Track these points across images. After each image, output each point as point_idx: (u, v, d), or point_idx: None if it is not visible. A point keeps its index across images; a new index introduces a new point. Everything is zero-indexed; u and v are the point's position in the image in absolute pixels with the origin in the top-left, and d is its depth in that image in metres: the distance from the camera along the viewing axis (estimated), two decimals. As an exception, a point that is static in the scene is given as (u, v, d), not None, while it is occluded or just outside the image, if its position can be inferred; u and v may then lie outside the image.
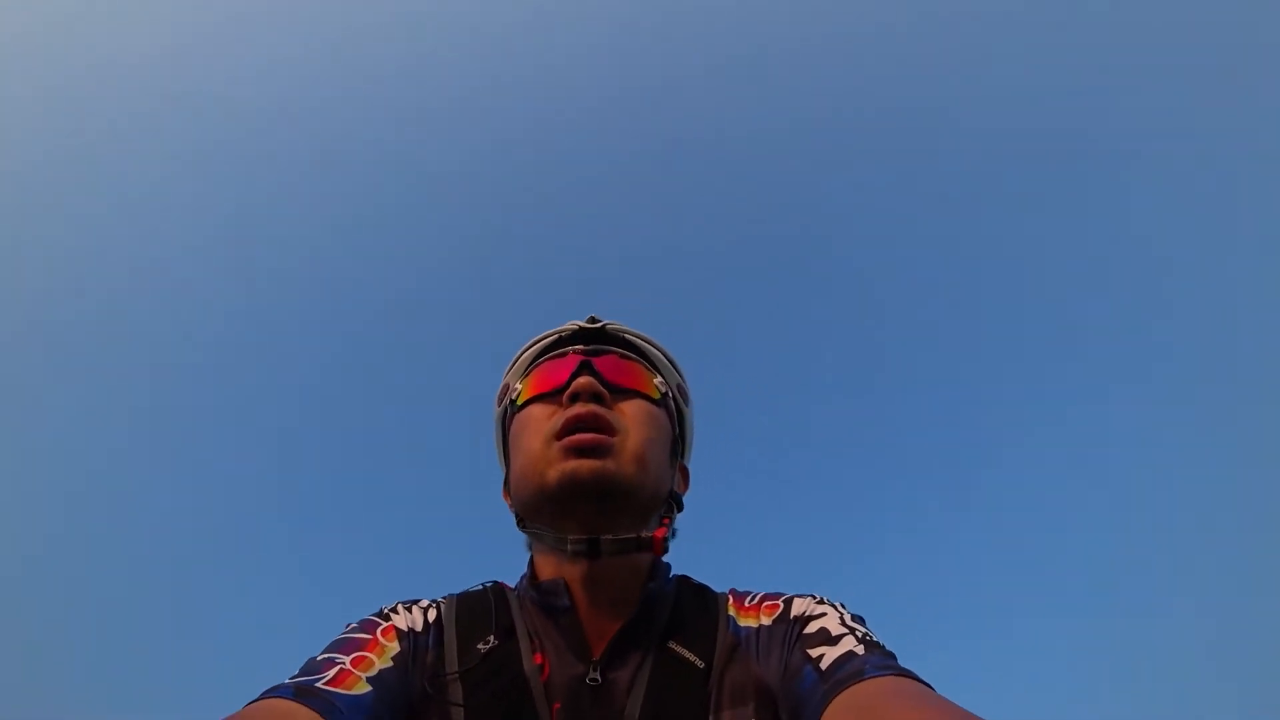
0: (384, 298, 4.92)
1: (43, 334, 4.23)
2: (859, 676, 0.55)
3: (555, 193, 5.06)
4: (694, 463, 0.95)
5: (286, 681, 0.57)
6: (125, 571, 4.08)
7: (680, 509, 0.84)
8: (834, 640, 0.62)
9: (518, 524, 0.80)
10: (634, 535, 0.70)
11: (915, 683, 0.55)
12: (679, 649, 0.68)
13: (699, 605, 0.75)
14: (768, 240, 5.12)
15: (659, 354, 0.90)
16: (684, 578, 0.81)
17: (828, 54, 4.88)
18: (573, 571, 0.72)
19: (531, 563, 0.80)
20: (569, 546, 0.70)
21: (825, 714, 0.54)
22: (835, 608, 0.69)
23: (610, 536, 0.70)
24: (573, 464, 0.70)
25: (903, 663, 0.59)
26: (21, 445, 4.17)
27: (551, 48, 4.92)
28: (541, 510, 0.73)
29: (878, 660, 0.57)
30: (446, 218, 5.02)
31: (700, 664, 0.67)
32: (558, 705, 0.64)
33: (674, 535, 0.82)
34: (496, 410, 0.91)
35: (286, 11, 4.60)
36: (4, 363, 4.08)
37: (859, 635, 0.63)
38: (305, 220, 4.80)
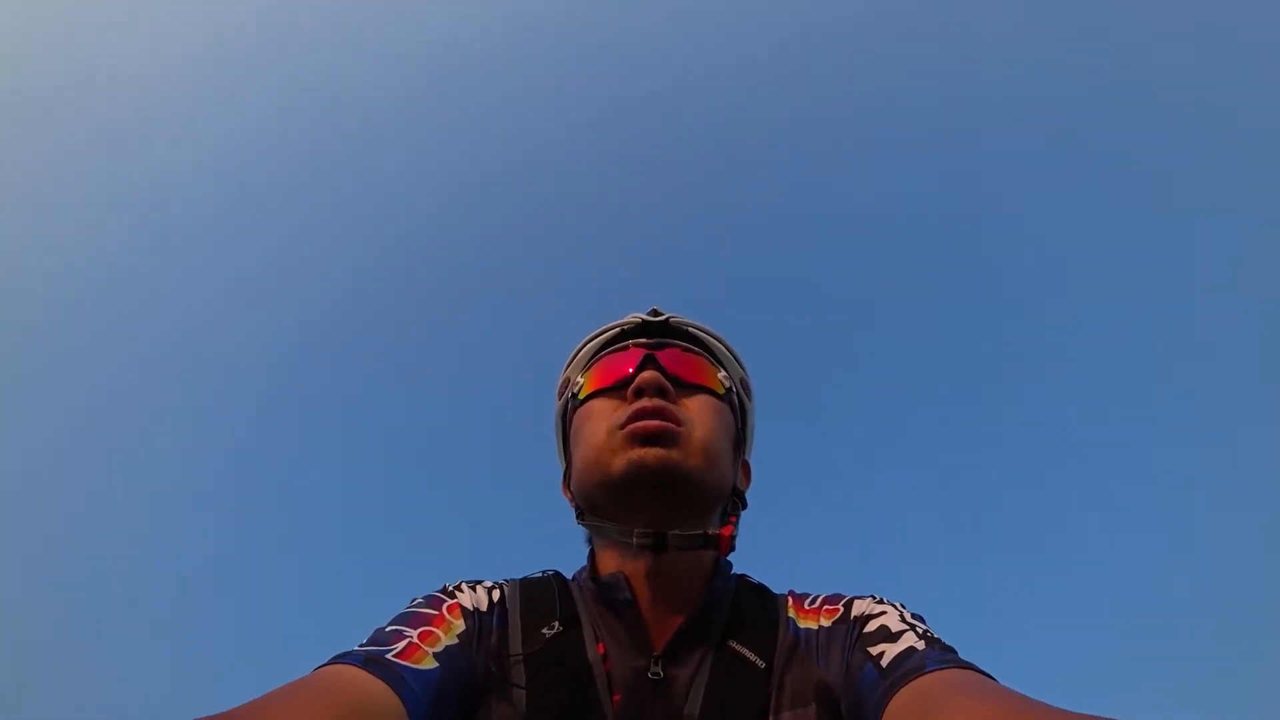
0: (422, 294, 5.02)
1: (69, 330, 4.42)
2: (920, 671, 0.54)
3: (607, 184, 5.06)
4: (754, 457, 0.94)
5: (356, 649, 0.57)
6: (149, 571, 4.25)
7: (745, 506, 0.83)
8: (894, 637, 0.61)
9: (578, 518, 0.80)
10: (701, 532, 0.69)
11: (977, 674, 0.54)
12: (739, 648, 0.68)
13: (759, 605, 0.74)
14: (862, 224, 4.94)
15: (722, 347, 0.88)
16: (743, 577, 0.80)
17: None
18: (636, 566, 0.72)
19: (592, 555, 0.80)
20: (635, 540, 0.69)
21: (887, 710, 0.54)
22: (895, 607, 0.68)
23: (677, 531, 0.69)
24: (639, 452, 0.69)
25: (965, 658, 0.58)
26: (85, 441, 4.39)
27: (587, 41, 4.92)
28: (605, 502, 0.73)
29: (938, 654, 0.57)
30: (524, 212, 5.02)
31: (761, 664, 0.66)
32: (618, 696, 0.64)
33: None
34: (557, 404, 0.91)
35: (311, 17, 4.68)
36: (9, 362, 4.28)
37: (919, 631, 0.62)
38: (353, 219, 4.91)
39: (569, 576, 0.80)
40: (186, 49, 4.56)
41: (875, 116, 4.89)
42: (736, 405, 0.86)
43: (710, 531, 0.70)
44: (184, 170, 4.60)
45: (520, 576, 0.79)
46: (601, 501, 0.73)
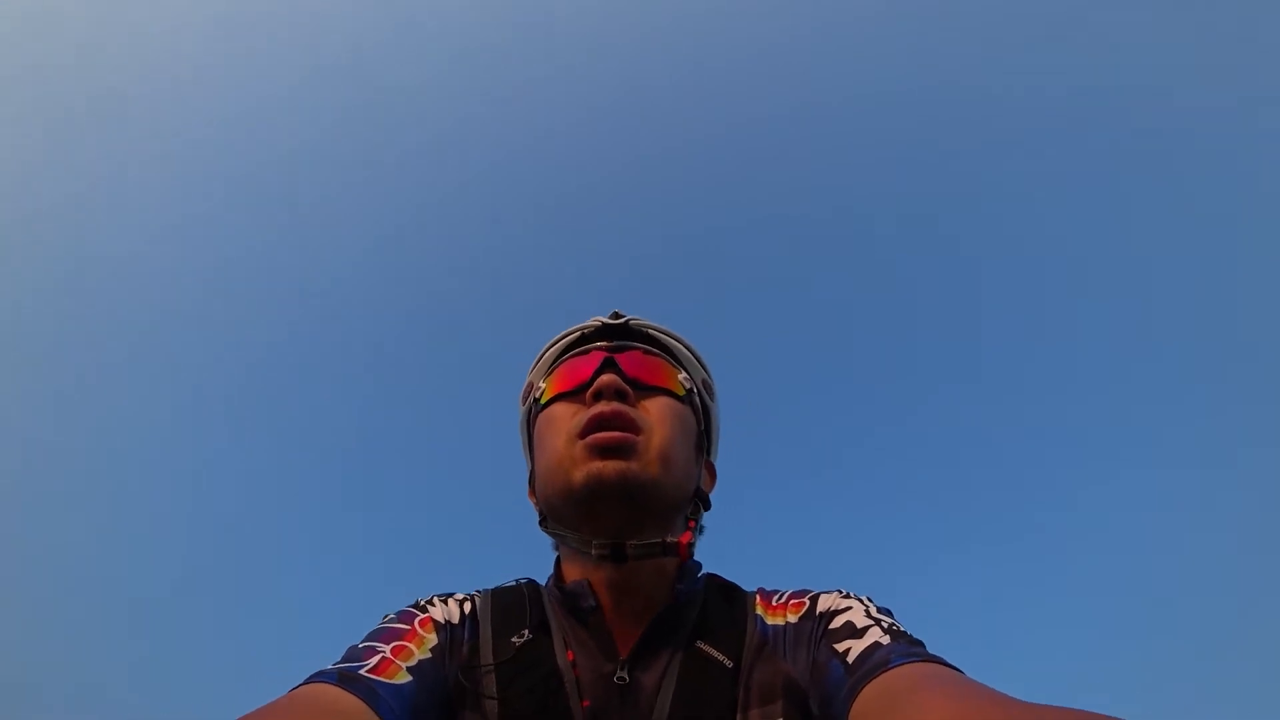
0: (400, 298, 5.01)
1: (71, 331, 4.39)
2: (885, 666, 0.54)
3: (575, 190, 5.07)
4: (722, 458, 0.94)
5: (330, 667, 0.58)
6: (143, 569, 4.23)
7: (708, 507, 0.83)
8: (860, 633, 0.61)
9: (540, 524, 0.80)
10: (659, 540, 0.70)
11: (944, 667, 0.54)
12: (707, 648, 0.68)
13: (726, 604, 0.74)
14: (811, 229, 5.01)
15: (684, 349, 0.88)
16: (712, 576, 0.80)
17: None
18: (598, 575, 0.72)
19: (558, 563, 0.80)
20: (593, 551, 0.70)
21: (854, 706, 0.54)
22: (861, 601, 0.68)
23: (635, 541, 0.69)
24: (597, 465, 0.69)
25: (932, 650, 0.58)
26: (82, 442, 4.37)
27: (570, 43, 4.92)
28: (566, 512, 0.73)
29: (903, 648, 0.57)
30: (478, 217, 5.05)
31: (728, 663, 0.66)
32: (587, 703, 0.64)
33: (701, 533, 0.81)
34: (521, 409, 0.91)
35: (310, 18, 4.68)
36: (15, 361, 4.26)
37: (885, 626, 0.62)
38: (334, 221, 4.90)
39: (543, 583, 0.80)
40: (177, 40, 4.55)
41: (849, 114, 4.93)
42: (699, 407, 0.86)
43: (668, 540, 0.70)
44: (181, 167, 4.59)
45: (494, 586, 0.79)
46: (562, 510, 0.73)
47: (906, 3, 4.72)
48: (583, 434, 0.72)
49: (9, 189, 4.32)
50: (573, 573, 0.75)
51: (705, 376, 0.90)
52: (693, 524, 0.77)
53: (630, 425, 0.72)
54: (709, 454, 0.90)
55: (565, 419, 0.76)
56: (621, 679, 0.65)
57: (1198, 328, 4.20)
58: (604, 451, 0.70)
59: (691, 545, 0.72)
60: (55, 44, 4.35)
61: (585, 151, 5.04)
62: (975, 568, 4.30)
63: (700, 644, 0.68)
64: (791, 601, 0.73)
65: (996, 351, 4.66)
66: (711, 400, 0.90)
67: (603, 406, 0.73)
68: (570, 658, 0.67)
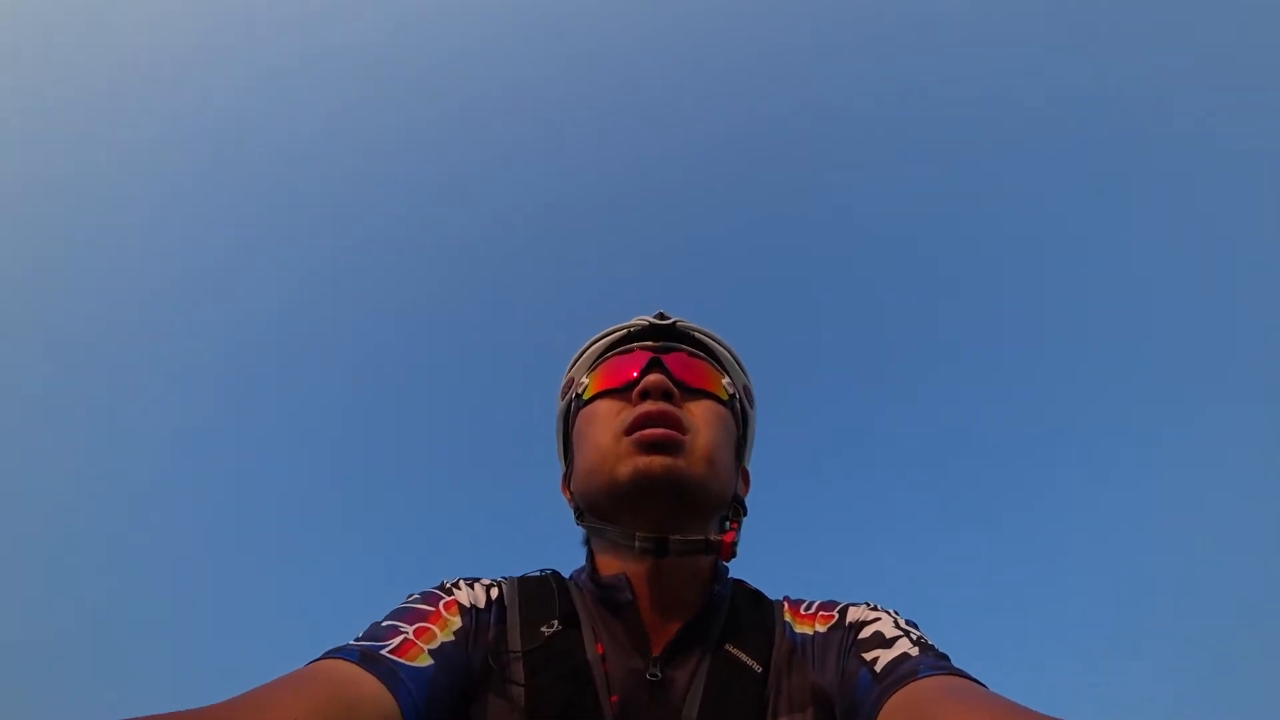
0: (419, 297, 4.99)
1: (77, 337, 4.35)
2: (913, 676, 0.55)
3: (607, 188, 5.07)
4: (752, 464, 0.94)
5: (351, 644, 0.57)
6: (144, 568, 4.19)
7: (745, 513, 0.83)
8: (888, 643, 0.62)
9: (576, 519, 0.80)
10: (703, 537, 0.70)
11: (968, 681, 0.54)
12: (736, 652, 0.68)
13: (754, 610, 0.75)
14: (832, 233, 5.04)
15: (727, 354, 0.88)
16: (739, 582, 0.80)
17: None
18: (636, 569, 0.72)
19: (591, 557, 0.80)
20: (636, 544, 0.70)
21: (880, 714, 0.54)
22: (889, 614, 0.69)
23: (679, 537, 0.69)
24: (645, 460, 0.70)
25: (957, 664, 0.58)
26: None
27: (594, 39, 4.93)
28: (609, 506, 0.73)
29: (931, 661, 0.57)
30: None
31: (757, 668, 0.67)
32: (616, 697, 0.64)
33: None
34: (559, 404, 0.91)
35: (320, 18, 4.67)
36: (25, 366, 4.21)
37: (913, 638, 0.62)
38: (354, 220, 4.88)
39: (566, 576, 0.80)
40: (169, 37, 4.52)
41: (877, 116, 4.98)
42: (739, 412, 0.86)
43: (712, 537, 0.70)
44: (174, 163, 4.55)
45: (518, 575, 0.78)
46: (604, 505, 0.74)
47: (913, 3, 4.79)
48: (629, 430, 0.72)
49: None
50: (609, 566, 0.75)
51: (746, 382, 0.90)
52: (735, 525, 0.77)
53: (677, 425, 0.72)
54: (745, 460, 0.91)
55: (610, 416, 0.76)
56: (654, 675, 0.65)
57: (1197, 327, 4.27)
58: (651, 447, 0.70)
59: (734, 545, 0.72)
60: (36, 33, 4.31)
61: (585, 152, 5.06)
62: (972, 563, 4.34)
63: (729, 647, 0.68)
64: (820, 613, 0.73)
65: (999, 351, 4.71)
66: (751, 407, 0.91)
67: (650, 405, 0.73)
68: (600, 651, 0.67)
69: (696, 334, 0.87)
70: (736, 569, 0.81)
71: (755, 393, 0.92)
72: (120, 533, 4.22)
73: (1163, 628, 3.84)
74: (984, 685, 0.55)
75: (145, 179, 4.61)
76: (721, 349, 0.88)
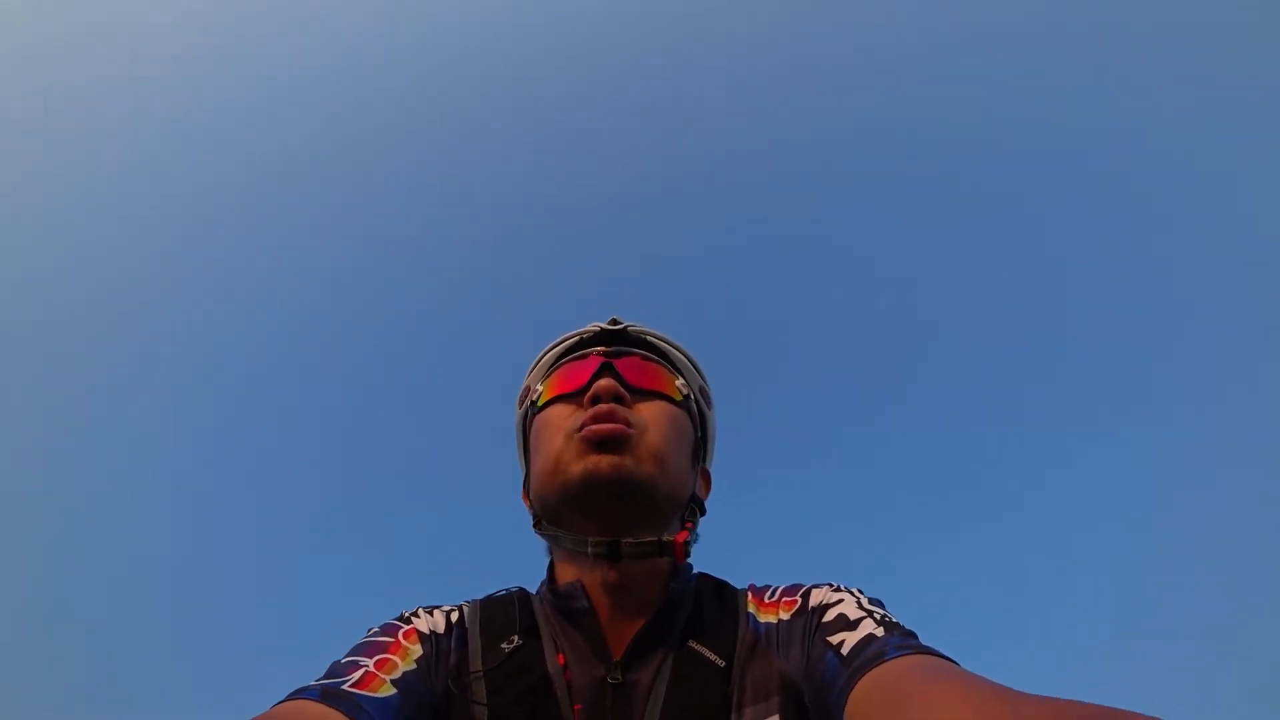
0: (398, 303, 5.00)
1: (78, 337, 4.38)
2: (880, 658, 0.54)
3: (574, 194, 5.08)
4: (718, 466, 0.94)
5: (313, 684, 0.57)
6: (131, 574, 4.21)
7: (703, 513, 0.83)
8: (853, 625, 0.61)
9: (535, 526, 0.80)
10: (655, 539, 0.70)
11: (938, 659, 0.53)
12: (699, 648, 0.67)
13: (718, 603, 0.74)
14: (802, 242, 5.06)
15: (681, 356, 0.89)
16: (703, 575, 0.80)
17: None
18: (592, 575, 0.72)
19: (551, 566, 0.79)
20: (589, 549, 0.70)
21: (850, 699, 0.53)
22: (852, 593, 0.68)
23: (631, 539, 0.69)
24: (593, 459, 0.70)
25: (924, 641, 0.58)
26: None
27: (570, 48, 4.93)
28: (562, 510, 0.73)
29: (898, 640, 0.56)
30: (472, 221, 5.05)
31: (720, 663, 0.66)
32: (579, 706, 0.63)
33: (696, 539, 0.80)
34: (517, 412, 0.91)
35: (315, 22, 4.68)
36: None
37: (877, 617, 0.61)
38: (327, 223, 4.89)
39: (534, 591, 0.79)
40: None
41: (878, 115, 4.95)
42: (695, 413, 0.86)
43: (665, 538, 0.70)
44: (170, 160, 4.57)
45: (483, 596, 0.78)
46: (558, 508, 0.73)
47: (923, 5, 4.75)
48: (579, 430, 0.72)
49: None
50: (566, 575, 0.75)
51: (702, 384, 0.91)
52: (690, 525, 0.76)
53: (625, 423, 0.72)
54: (705, 461, 0.90)
55: (562, 419, 0.76)
56: (615, 679, 0.64)
57: (1196, 328, 4.24)
58: (599, 445, 0.70)
59: (688, 545, 0.72)
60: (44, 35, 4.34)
61: (583, 152, 5.06)
62: (966, 560, 4.33)
63: (692, 643, 0.68)
64: (784, 599, 0.72)
65: (1000, 351, 4.69)
66: (709, 408, 0.91)
67: (600, 408, 0.73)
68: (561, 661, 0.67)
69: (649, 338, 0.88)
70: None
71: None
72: (97, 536, 4.24)
73: (1163, 628, 3.82)
74: (954, 661, 0.54)
75: (145, 179, 4.64)
76: (675, 351, 0.88)
